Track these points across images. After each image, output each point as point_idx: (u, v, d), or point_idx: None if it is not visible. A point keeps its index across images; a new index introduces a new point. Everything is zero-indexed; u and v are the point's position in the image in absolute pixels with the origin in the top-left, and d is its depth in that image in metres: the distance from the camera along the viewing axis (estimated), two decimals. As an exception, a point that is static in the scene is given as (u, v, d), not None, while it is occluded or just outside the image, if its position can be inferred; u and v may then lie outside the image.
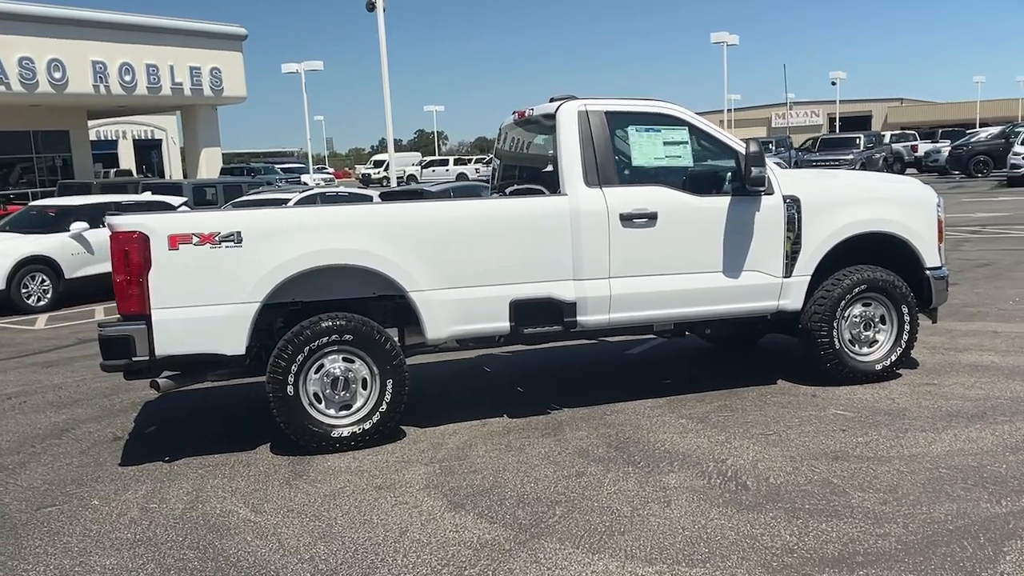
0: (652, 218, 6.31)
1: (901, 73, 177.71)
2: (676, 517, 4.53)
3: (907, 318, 6.95)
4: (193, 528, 4.75)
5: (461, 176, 44.52)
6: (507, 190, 7.38)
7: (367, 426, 5.95)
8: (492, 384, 7.81)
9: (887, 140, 41.43)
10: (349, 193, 16.00)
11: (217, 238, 5.63)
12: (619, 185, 6.32)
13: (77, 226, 14.12)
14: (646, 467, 5.31)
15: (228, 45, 37.57)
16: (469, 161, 52.59)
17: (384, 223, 5.96)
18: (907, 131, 49.02)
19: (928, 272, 7.05)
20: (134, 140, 50.76)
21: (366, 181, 51.34)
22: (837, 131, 56.89)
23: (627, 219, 6.26)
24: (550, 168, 6.80)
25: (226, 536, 4.61)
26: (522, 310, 6.15)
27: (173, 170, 49.39)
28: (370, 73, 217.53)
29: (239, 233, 5.66)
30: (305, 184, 30.90)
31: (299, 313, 5.98)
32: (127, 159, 49.48)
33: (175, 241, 5.57)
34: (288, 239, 5.76)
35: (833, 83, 60.78)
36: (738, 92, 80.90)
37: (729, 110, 67.59)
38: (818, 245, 6.71)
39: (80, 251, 14.10)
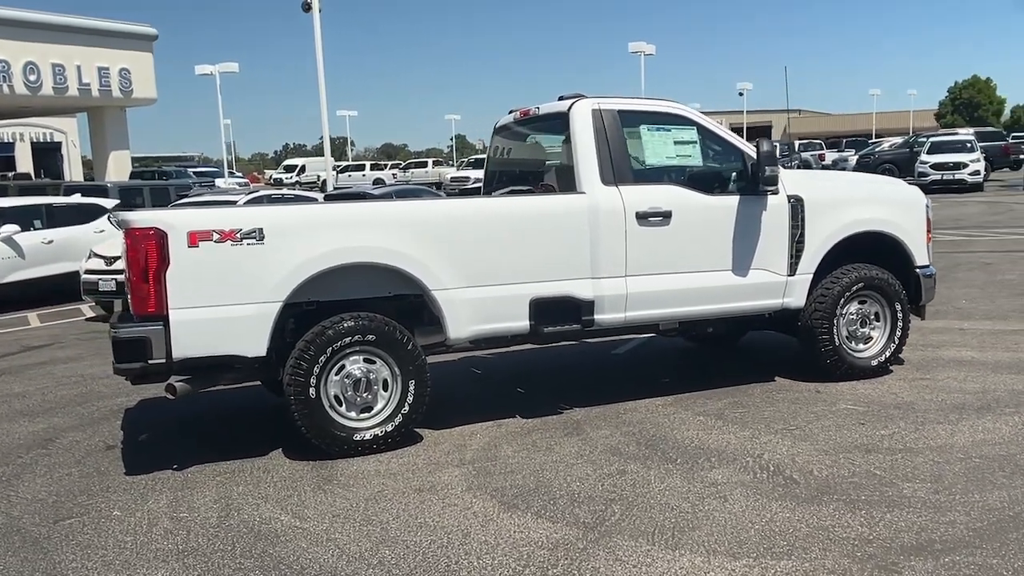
0: (666, 217, 6.34)
1: (801, 86, 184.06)
2: (739, 512, 4.53)
3: (900, 315, 7.15)
4: (239, 536, 4.53)
5: (378, 181, 44.03)
6: (510, 189, 7.29)
7: (389, 428, 5.79)
8: (488, 386, 7.72)
9: (797, 149, 42.81)
10: (295, 195, 15.63)
11: (238, 235, 5.40)
12: (634, 184, 6.33)
13: (7, 229, 13.41)
14: (685, 464, 5.30)
15: (138, 45, 36.37)
16: (385, 167, 52.12)
17: (409, 220, 5.82)
18: (813, 140, 50.76)
19: (918, 270, 7.27)
20: (32, 143, 48.55)
21: (278, 186, 50.28)
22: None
23: (643, 217, 6.27)
24: (558, 166, 6.78)
25: (278, 544, 4.41)
26: (542, 309, 6.08)
27: (74, 174, 47.45)
28: (277, 77, 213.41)
29: (261, 230, 5.44)
30: (219, 188, 30.12)
31: (312, 314, 5.78)
32: (25, 162, 47.33)
33: (194, 238, 5.32)
34: (312, 236, 5.57)
35: (740, 93, 62.49)
36: (697, 98, 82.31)
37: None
38: (820, 244, 6.84)
39: (11, 255, 13.39)
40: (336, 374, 5.70)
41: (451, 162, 60.12)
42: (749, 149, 6.73)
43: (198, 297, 5.35)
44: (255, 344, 5.49)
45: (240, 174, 58.74)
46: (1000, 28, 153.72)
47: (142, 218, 5.31)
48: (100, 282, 12.39)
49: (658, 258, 6.36)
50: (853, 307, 7.06)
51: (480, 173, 34.67)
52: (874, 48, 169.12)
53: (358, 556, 4.22)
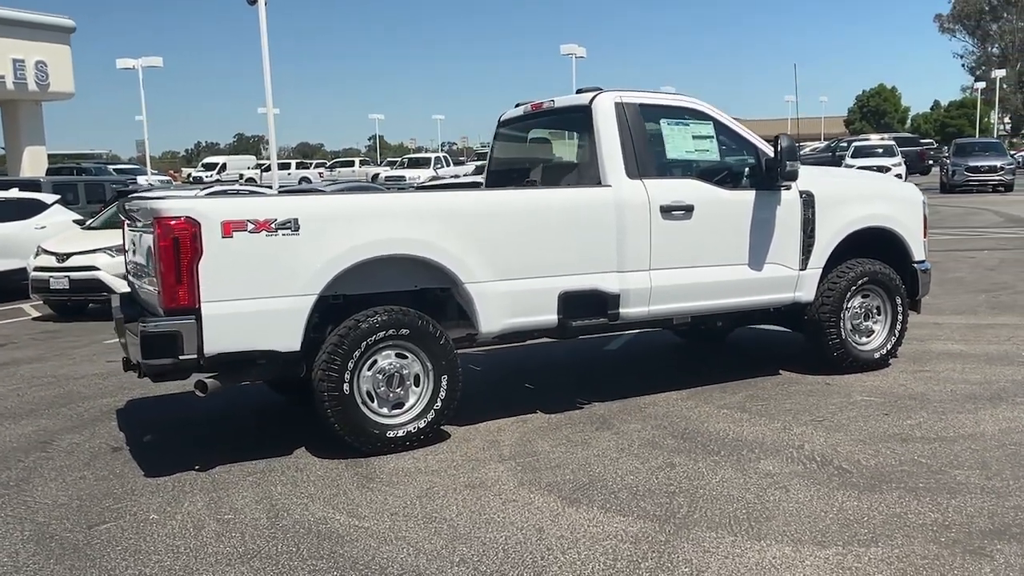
0: (689, 211, 6.35)
1: (721, 89, 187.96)
2: (806, 501, 4.55)
3: (900, 309, 7.32)
4: (299, 537, 4.34)
5: (304, 180, 43.28)
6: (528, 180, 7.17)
7: (422, 424, 5.65)
8: (493, 382, 7.62)
9: None
10: (250, 191, 15.20)
11: (273, 225, 5.20)
12: (657, 177, 6.32)
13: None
14: (730, 456, 5.31)
15: (55, 37, 34.98)
16: (310, 165, 51.29)
17: (444, 212, 5.70)
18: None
19: (915, 265, 7.45)
20: (-65, 137, 46.10)
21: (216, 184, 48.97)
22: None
23: (667, 211, 6.27)
24: (578, 160, 6.73)
25: (345, 544, 4.24)
26: (570, 302, 6.02)
27: (-19, 170, 45.29)
28: (188, 73, 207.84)
29: (296, 220, 5.25)
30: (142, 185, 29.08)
31: (338, 308, 5.61)
32: (-73, 157, 44.93)
33: (228, 228, 5.09)
34: (348, 227, 5.40)
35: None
36: None
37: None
38: (829, 239, 6.95)
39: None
40: (368, 369, 5.53)
41: (377, 162, 59.47)
42: (762, 144, 6.80)
43: (231, 290, 5.13)
44: (289, 339, 5.29)
45: (156, 171, 57.06)
46: (903, 39, 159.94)
47: (174, 207, 5.05)
48: (51, 280, 11.86)
49: (680, 252, 6.37)
50: (857, 301, 7.19)
51: (417, 172, 34.33)
52: (788, 54, 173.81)
53: (436, 554, 4.09)
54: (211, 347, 5.09)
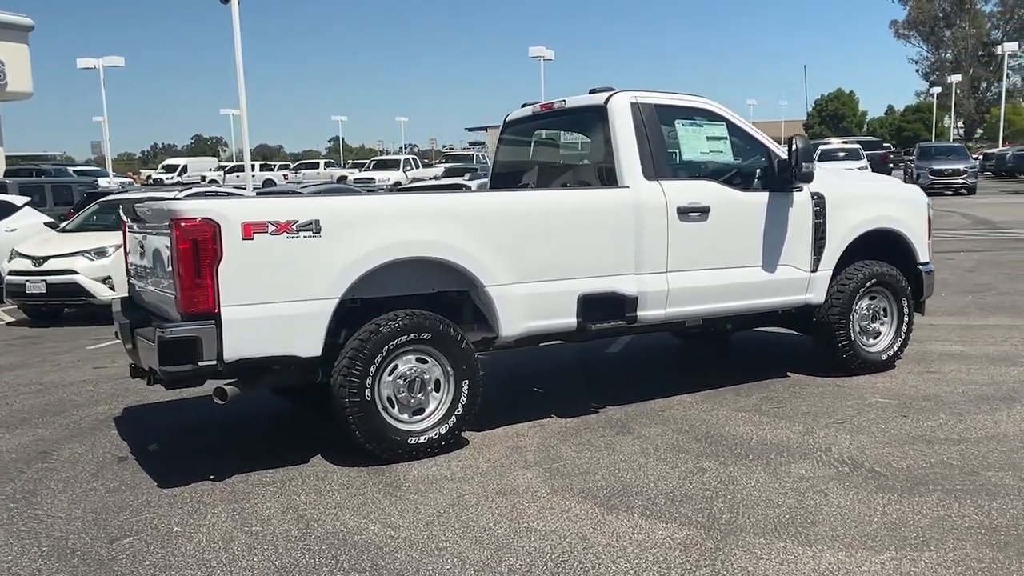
0: (705, 212, 6.30)
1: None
2: (847, 505, 4.50)
3: (906, 310, 7.34)
4: (335, 549, 4.20)
5: (268, 182, 42.73)
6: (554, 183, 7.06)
7: (443, 430, 5.53)
8: (502, 386, 7.46)
9: None
10: (228, 193, 14.93)
11: (295, 227, 5.05)
12: (673, 179, 6.26)
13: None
14: (759, 459, 5.25)
15: (12, 36, 34.08)
16: (274, 167, 50.68)
17: (466, 213, 5.59)
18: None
19: (920, 267, 7.47)
20: None
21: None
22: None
23: (683, 213, 6.21)
24: (593, 161, 6.66)
25: (386, 555, 4.12)
26: (589, 305, 5.94)
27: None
28: (144, 73, 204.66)
29: (317, 222, 5.10)
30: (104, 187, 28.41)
31: (355, 312, 5.47)
32: None
33: (249, 230, 4.94)
34: (370, 229, 5.27)
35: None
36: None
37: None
38: (840, 240, 6.95)
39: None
40: (389, 375, 5.40)
41: (341, 164, 58.95)
42: (773, 145, 6.78)
43: (252, 293, 4.97)
44: (311, 344, 5.14)
45: (116, 173, 56.04)
46: (860, 44, 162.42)
47: (193, 207, 4.88)
48: (27, 284, 11.54)
49: (696, 254, 6.31)
50: (865, 303, 7.19)
51: (387, 175, 34.03)
52: (753, 58, 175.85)
53: (482, 565, 3.97)
54: (231, 353, 4.93)
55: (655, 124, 6.29)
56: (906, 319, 7.35)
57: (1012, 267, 13.25)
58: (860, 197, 7.15)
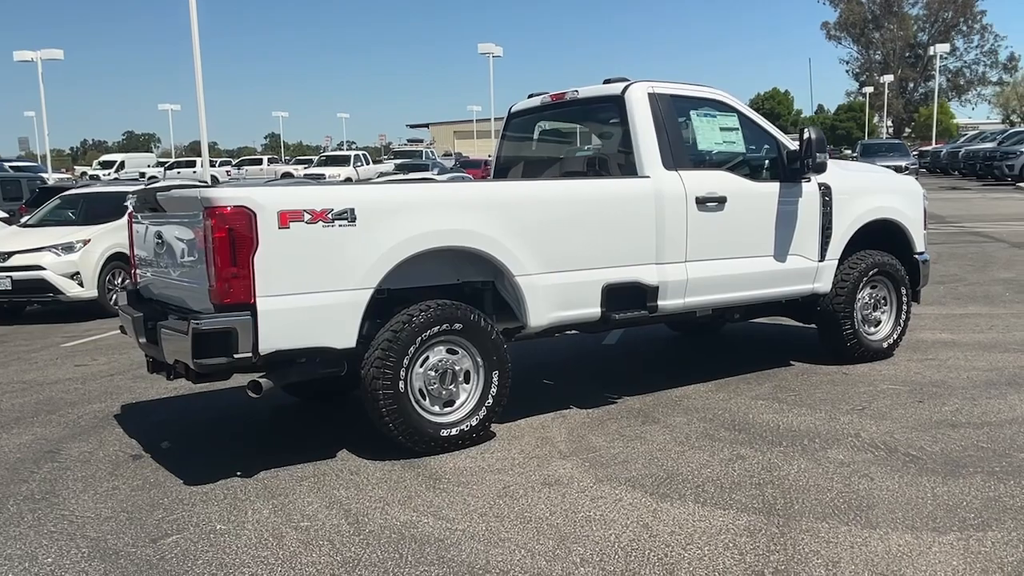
0: (721, 202, 6.32)
1: None
2: (895, 488, 4.55)
3: (904, 299, 7.48)
4: (395, 543, 4.11)
5: (212, 179, 41.87)
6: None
7: (474, 422, 5.46)
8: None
9: None
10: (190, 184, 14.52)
11: (330, 215, 4.93)
12: (690, 169, 6.27)
13: None
14: (792, 446, 5.29)
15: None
16: (215, 163, 49.66)
17: (497, 202, 5.52)
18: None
19: (916, 256, 7.62)
20: None
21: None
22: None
23: (701, 202, 6.23)
24: (604, 151, 6.64)
25: (450, 548, 4.04)
26: (613, 295, 5.92)
27: None
28: (71, 67, 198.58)
29: (352, 210, 4.99)
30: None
31: (381, 303, 5.36)
32: None
33: (285, 218, 4.80)
34: (404, 218, 5.17)
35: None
36: (501, 102, 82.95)
37: (468, 120, 69.31)
38: (845, 230, 7.04)
39: None
40: (420, 366, 5.31)
41: (282, 159, 58.08)
42: (782, 136, 6.84)
43: (287, 284, 4.83)
44: (346, 335, 5.03)
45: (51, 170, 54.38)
46: (793, 44, 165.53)
47: (229, 195, 4.72)
48: (-9, 280, 11.09)
49: (713, 243, 6.33)
50: (866, 292, 7.31)
51: (337, 170, 33.54)
52: (696, 58, 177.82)
53: (552, 556, 3.92)
54: (266, 345, 4.79)
55: (672, 114, 6.29)
56: (905, 308, 7.49)
57: (973, 259, 13.62)
58: (863, 188, 7.25)
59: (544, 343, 7.86)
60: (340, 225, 4.95)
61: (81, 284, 11.23)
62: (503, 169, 7.52)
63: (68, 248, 11.28)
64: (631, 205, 5.99)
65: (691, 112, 6.51)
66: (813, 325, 7.49)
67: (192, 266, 5.02)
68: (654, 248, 6.06)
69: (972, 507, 4.27)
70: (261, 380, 4.92)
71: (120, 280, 11.83)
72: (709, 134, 6.55)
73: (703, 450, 5.26)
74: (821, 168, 6.55)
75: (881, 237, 7.43)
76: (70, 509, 4.71)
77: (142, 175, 44.33)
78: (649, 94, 6.23)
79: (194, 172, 43.11)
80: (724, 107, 6.67)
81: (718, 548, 3.92)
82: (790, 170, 6.69)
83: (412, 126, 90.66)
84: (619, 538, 4.06)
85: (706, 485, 4.69)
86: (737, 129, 6.68)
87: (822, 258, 6.94)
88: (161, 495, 4.87)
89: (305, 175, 36.62)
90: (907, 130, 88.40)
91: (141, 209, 5.79)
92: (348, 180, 32.00)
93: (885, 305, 7.46)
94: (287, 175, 43.68)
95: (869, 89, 74.89)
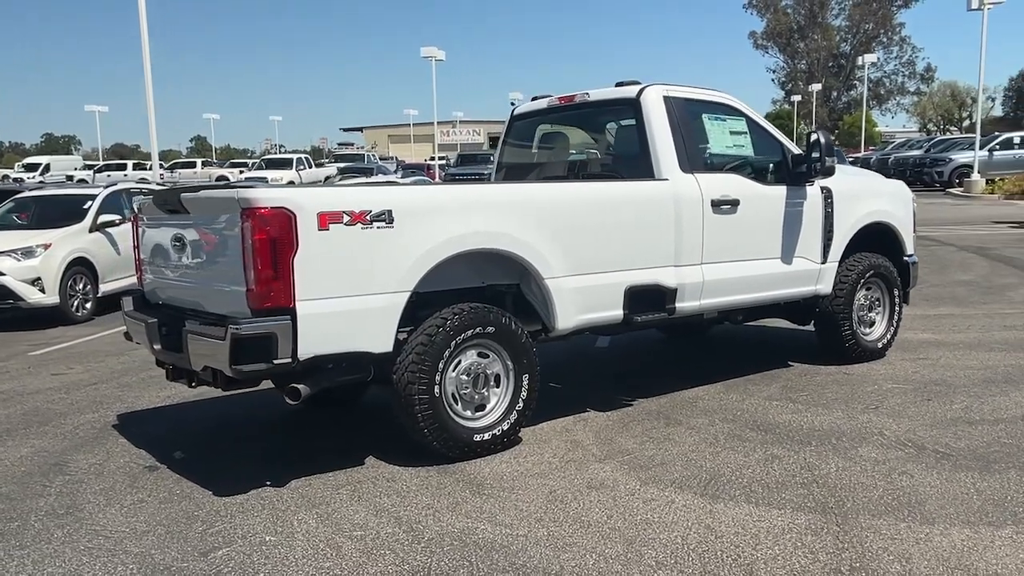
0: (735, 205, 6.38)
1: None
2: (938, 484, 4.64)
3: (897, 300, 7.65)
4: (461, 549, 4.04)
5: (143, 181, 40.80)
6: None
7: (505, 427, 5.40)
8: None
9: None
10: (148, 190, 14.11)
11: (368, 217, 4.83)
12: (704, 172, 6.31)
13: None
14: (823, 445, 5.35)
15: None
16: (147, 166, 48.32)
17: (528, 204, 5.49)
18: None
19: (906, 258, 7.81)
20: None
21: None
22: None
23: (716, 205, 6.28)
24: (616, 154, 6.66)
25: (519, 554, 3.98)
26: (634, 297, 5.92)
27: None
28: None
29: (390, 212, 4.89)
30: None
31: (410, 307, 5.27)
32: None
33: (325, 220, 4.68)
34: (441, 220, 5.09)
35: (512, 103, 64.08)
36: (462, 106, 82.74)
37: (407, 124, 68.95)
38: (844, 233, 7.17)
39: None
40: (453, 370, 5.24)
41: (213, 161, 56.87)
42: (786, 140, 6.94)
43: (326, 287, 4.71)
44: (383, 339, 4.93)
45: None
46: (719, 53, 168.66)
47: (268, 196, 4.58)
48: (-54, 286, 10.61)
49: (726, 246, 6.38)
50: (862, 293, 7.45)
51: (279, 174, 32.88)
52: (631, 63, 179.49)
53: (628, 559, 3.89)
54: (306, 350, 4.66)
55: (686, 117, 6.33)
56: (897, 309, 7.67)
57: (931, 261, 13.98)
58: (861, 191, 7.40)
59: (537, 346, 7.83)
60: (378, 227, 4.85)
61: (43, 290, 10.82)
62: (506, 173, 7.47)
63: (28, 253, 10.85)
64: (653, 208, 6.00)
65: (702, 115, 6.55)
66: (804, 326, 7.61)
67: (223, 269, 4.86)
68: (673, 250, 6.09)
69: (1018, 501, 4.38)
70: (299, 386, 4.79)
71: (82, 286, 11.46)
72: (720, 137, 6.61)
73: (736, 451, 5.29)
74: (830, 172, 6.66)
75: (874, 240, 7.58)
76: (101, 524, 4.52)
77: (69, 178, 43.05)
78: (664, 97, 6.26)
79: (125, 175, 41.97)
80: (732, 111, 6.74)
81: (788, 548, 3.94)
82: (795, 173, 6.78)
83: (345, 129, 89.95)
84: (685, 540, 4.05)
85: (752, 485, 4.71)
86: (745, 133, 6.76)
87: (824, 260, 7.05)
88: (194, 507, 4.70)
89: (246, 179, 35.94)
90: (832, 137, 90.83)
91: (154, 211, 5.58)
92: (291, 183, 31.51)
93: (879, 306, 7.62)
94: (222, 179, 42.86)
95: (797, 98, 76.68)
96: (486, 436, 5.30)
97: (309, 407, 6.53)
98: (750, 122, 6.80)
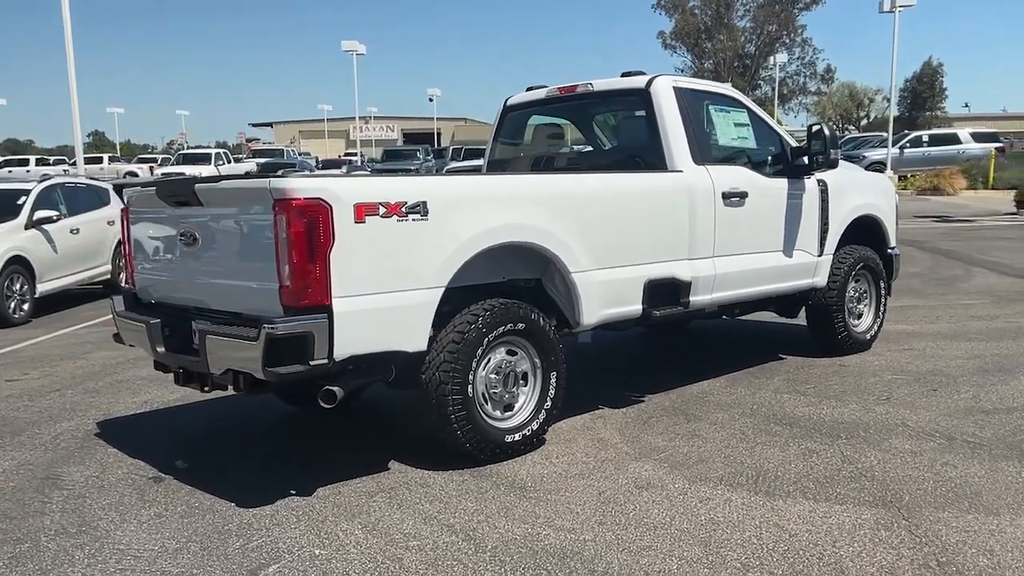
0: (743, 197, 6.32)
1: (472, 96, 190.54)
2: (985, 474, 4.64)
3: (883, 292, 7.74)
4: (529, 557, 3.84)
5: (46, 177, 38.98)
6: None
7: (534, 427, 5.22)
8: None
9: (450, 154, 44.82)
10: (88, 185, 13.40)
11: (404, 208, 4.57)
12: (713, 164, 6.23)
13: None
14: (854, 438, 5.32)
15: None
16: (50, 161, 46.37)
17: (558, 196, 5.30)
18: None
19: (890, 251, 7.90)
20: None
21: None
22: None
23: (727, 197, 6.21)
24: (620, 145, 6.54)
25: (594, 560, 3.80)
26: (652, 291, 5.80)
27: None
28: None
29: (425, 204, 4.65)
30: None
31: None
32: None
33: (361, 212, 4.41)
34: (474, 212, 4.87)
35: (431, 99, 63.69)
36: (375, 102, 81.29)
37: (319, 120, 67.77)
38: (838, 226, 7.20)
39: None
40: (483, 368, 5.02)
41: (116, 156, 54.73)
42: (784, 133, 6.92)
43: (362, 283, 4.44)
44: (418, 337, 4.69)
45: None
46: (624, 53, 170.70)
47: (304, 187, 4.28)
48: None
49: (735, 239, 6.32)
50: (852, 285, 7.50)
51: (198, 168, 31.75)
52: (533, 66, 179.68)
53: (709, 562, 3.75)
54: (342, 350, 4.38)
55: (695, 108, 6.25)
56: (883, 300, 7.75)
57: (874, 255, 14.33)
58: (851, 185, 7.44)
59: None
60: (413, 219, 4.60)
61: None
62: (500, 163, 7.26)
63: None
64: (671, 200, 5.89)
65: (709, 107, 6.47)
66: (791, 319, 7.60)
67: (248, 265, 4.54)
68: (687, 243, 5.99)
69: (1071, 489, 4.40)
70: (335, 388, 4.50)
71: (19, 287, 10.78)
72: (725, 129, 6.54)
73: (770, 446, 5.22)
74: (835, 164, 6.66)
75: (860, 232, 7.63)
76: (124, 542, 4.16)
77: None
78: (674, 88, 6.15)
79: (27, 171, 40.01)
80: (735, 102, 6.69)
81: (867, 544, 3.86)
82: (794, 166, 6.77)
83: (255, 124, 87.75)
84: (763, 540, 3.94)
85: (802, 481, 4.64)
86: (748, 125, 6.71)
87: (821, 253, 7.06)
88: (221, 520, 4.38)
89: (163, 175, 34.72)
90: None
91: (154, 203, 5.18)
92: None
93: (867, 298, 7.68)
94: (131, 175, 41.37)
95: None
96: (517, 437, 5.10)
97: (307, 410, 6.25)
98: (751, 114, 6.75)
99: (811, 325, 7.52)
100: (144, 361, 7.93)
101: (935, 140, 34.54)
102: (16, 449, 5.69)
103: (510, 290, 5.48)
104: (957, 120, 68.59)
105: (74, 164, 46.11)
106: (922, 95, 79.29)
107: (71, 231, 11.85)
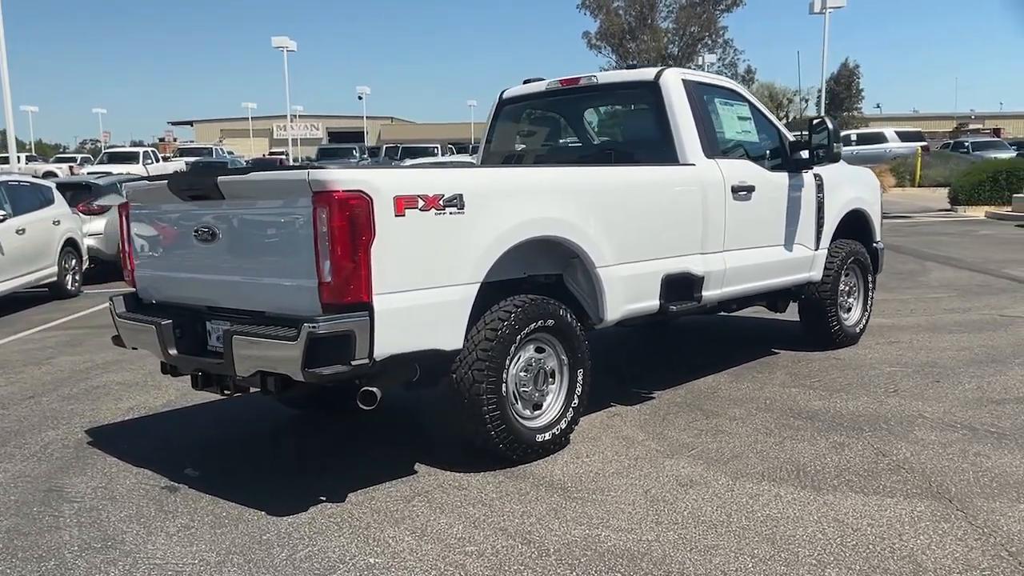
0: (750, 191, 6.30)
1: (398, 97, 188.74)
2: (1018, 464, 4.68)
3: (871, 285, 7.83)
4: (598, 561, 3.71)
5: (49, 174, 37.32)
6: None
7: (563, 426, 5.10)
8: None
9: (384, 153, 44.63)
10: (31, 183, 12.76)
11: (441, 202, 4.40)
12: (721, 157, 6.20)
13: None
14: (877, 430, 5.32)
15: None
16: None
17: (585, 189, 5.20)
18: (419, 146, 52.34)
19: (875, 245, 8.00)
20: None
21: None
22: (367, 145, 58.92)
23: (736, 191, 6.18)
24: (626, 139, 6.47)
25: (665, 562, 3.69)
26: (669, 286, 5.73)
27: None
28: None
29: (461, 196, 4.49)
30: None
31: None
32: None
33: (401, 205, 4.23)
34: (508, 205, 4.73)
35: (360, 97, 62.92)
36: (299, 100, 79.73)
37: (243, 118, 66.40)
38: (833, 220, 7.25)
39: None
40: (514, 367, 4.88)
41: (29, 154, 52.60)
42: (782, 127, 6.93)
43: (402, 279, 4.26)
44: (455, 335, 4.53)
45: None
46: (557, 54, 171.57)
47: (344, 178, 4.08)
48: None
49: (743, 233, 6.29)
50: (842, 279, 7.56)
51: (126, 168, 30.69)
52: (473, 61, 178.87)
53: (784, 560, 3.68)
54: (382, 349, 4.19)
55: (703, 101, 6.20)
56: (870, 294, 7.83)
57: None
58: (843, 179, 7.50)
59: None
60: (451, 213, 4.43)
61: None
62: (496, 158, 7.11)
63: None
64: (686, 193, 5.83)
65: (716, 101, 6.44)
66: (779, 313, 7.60)
67: (281, 261, 4.32)
68: (700, 237, 5.94)
69: (1107, 476, 4.46)
70: (374, 390, 4.30)
71: (-35, 289, 10.20)
72: (731, 123, 6.52)
73: (797, 440, 5.19)
74: (838, 158, 6.69)
75: (849, 227, 7.70)
76: (158, 557, 3.90)
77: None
78: (683, 80, 6.09)
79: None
80: (738, 96, 6.67)
81: (933, 536, 3.84)
82: (794, 160, 6.78)
83: (174, 123, 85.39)
84: (828, 536, 3.89)
85: (844, 474, 4.61)
86: (750, 118, 6.70)
87: (817, 246, 7.10)
88: (256, 530, 4.15)
89: (88, 173, 33.46)
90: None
91: (164, 198, 4.90)
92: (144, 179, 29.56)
93: (856, 292, 7.76)
94: (50, 174, 39.77)
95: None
96: (547, 436, 4.97)
97: (307, 411, 6.04)
98: (753, 108, 6.74)
99: (804, 319, 7.55)
100: (116, 365, 7.61)
101: (863, 139, 35.38)
102: (6, 460, 5.34)
103: (529, 286, 5.35)
104: (873, 120, 70.62)
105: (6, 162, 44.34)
106: (840, 96, 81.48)
107: (17, 231, 11.28)
